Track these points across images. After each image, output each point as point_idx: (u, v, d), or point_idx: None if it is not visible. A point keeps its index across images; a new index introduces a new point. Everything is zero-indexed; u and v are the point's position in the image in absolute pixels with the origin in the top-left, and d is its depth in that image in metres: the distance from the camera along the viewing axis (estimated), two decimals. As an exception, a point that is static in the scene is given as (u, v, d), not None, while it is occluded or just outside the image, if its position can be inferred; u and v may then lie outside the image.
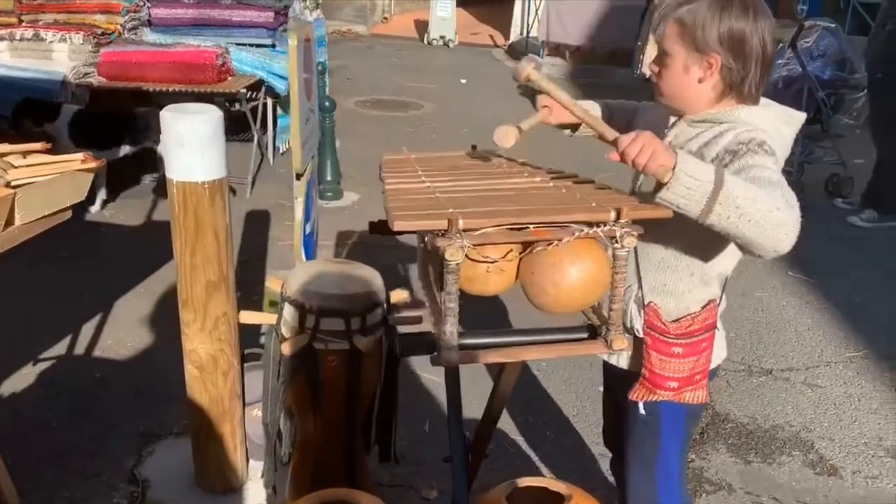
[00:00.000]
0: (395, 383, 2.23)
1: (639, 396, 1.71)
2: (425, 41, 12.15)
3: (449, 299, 1.40)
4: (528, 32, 11.33)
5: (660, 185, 1.39)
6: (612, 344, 1.46)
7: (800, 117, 1.67)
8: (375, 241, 4.58)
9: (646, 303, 1.67)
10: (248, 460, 2.67)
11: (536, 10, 11.09)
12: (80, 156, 2.29)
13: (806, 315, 4.11)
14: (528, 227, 1.41)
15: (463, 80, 9.53)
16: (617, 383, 1.87)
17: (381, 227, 2.29)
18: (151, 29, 5.54)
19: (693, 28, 1.56)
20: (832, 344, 3.82)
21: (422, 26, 12.75)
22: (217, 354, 2.44)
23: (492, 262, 1.43)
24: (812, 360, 3.65)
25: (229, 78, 5.22)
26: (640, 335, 1.68)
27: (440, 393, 3.00)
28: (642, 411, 1.78)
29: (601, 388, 2.23)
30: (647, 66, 6.03)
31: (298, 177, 3.80)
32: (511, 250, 1.45)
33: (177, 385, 2.57)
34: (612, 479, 2.31)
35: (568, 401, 3.22)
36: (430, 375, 3.21)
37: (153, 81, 5.02)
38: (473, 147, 2.21)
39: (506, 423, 2.96)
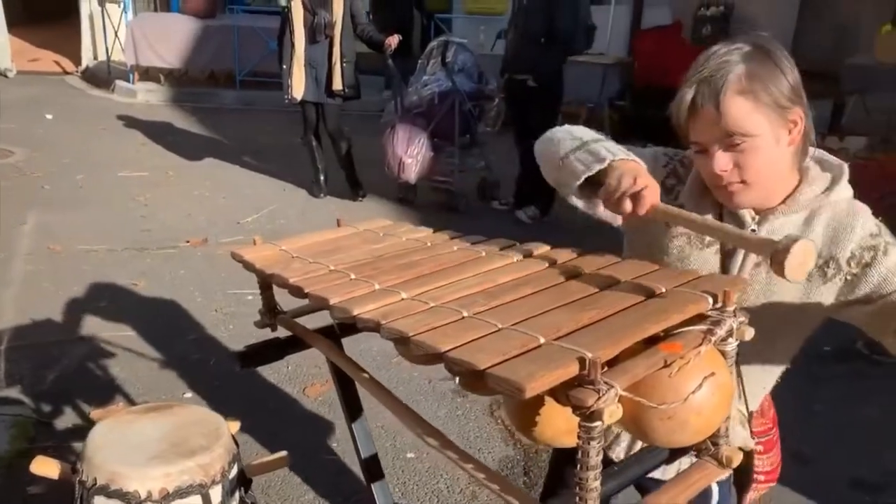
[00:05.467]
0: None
1: None
2: (-27, 72, 10.02)
3: (592, 477, 0.94)
4: (108, 56, 10.05)
5: None
6: (730, 461, 1.15)
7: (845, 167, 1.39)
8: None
9: (750, 414, 1.41)
10: None
11: (115, 31, 9.88)
12: None
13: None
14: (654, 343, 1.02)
15: (49, 116, 8.02)
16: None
17: (255, 357, 1.64)
18: None
19: (766, 90, 1.25)
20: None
21: (-39, 55, 10.49)
22: None
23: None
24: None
25: None
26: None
27: None
28: None
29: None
30: (298, 93, 5.65)
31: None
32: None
33: None
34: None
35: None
36: None
37: None
38: (338, 222, 1.70)
39: None
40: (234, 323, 3.82)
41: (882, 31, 8.38)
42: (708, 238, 1.37)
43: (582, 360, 0.93)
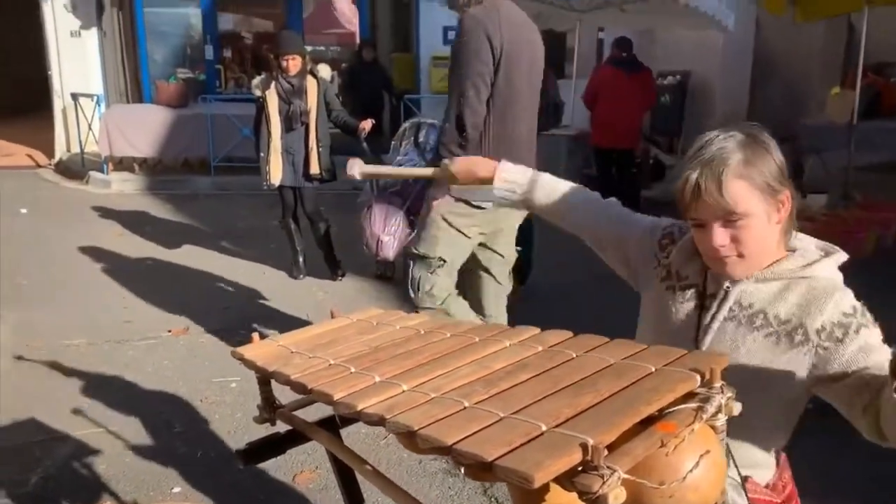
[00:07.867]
0: None
1: None
2: (-55, 170, 10.04)
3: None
4: (82, 148, 10.14)
5: None
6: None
7: (841, 255, 1.52)
8: None
9: (743, 480, 1.44)
10: None
11: (89, 124, 9.99)
12: None
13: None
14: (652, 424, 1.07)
15: (23, 210, 8.03)
16: None
17: (256, 454, 1.66)
18: None
19: (760, 174, 1.41)
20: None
21: (-68, 152, 10.55)
22: None
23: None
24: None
25: None
26: None
27: None
28: None
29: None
30: (276, 179, 5.74)
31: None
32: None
33: None
34: None
35: None
36: None
37: None
38: (332, 313, 1.75)
39: None
40: (219, 412, 3.79)
41: (832, 92, 8.79)
42: (689, 292, 1.56)
43: (584, 447, 0.98)
